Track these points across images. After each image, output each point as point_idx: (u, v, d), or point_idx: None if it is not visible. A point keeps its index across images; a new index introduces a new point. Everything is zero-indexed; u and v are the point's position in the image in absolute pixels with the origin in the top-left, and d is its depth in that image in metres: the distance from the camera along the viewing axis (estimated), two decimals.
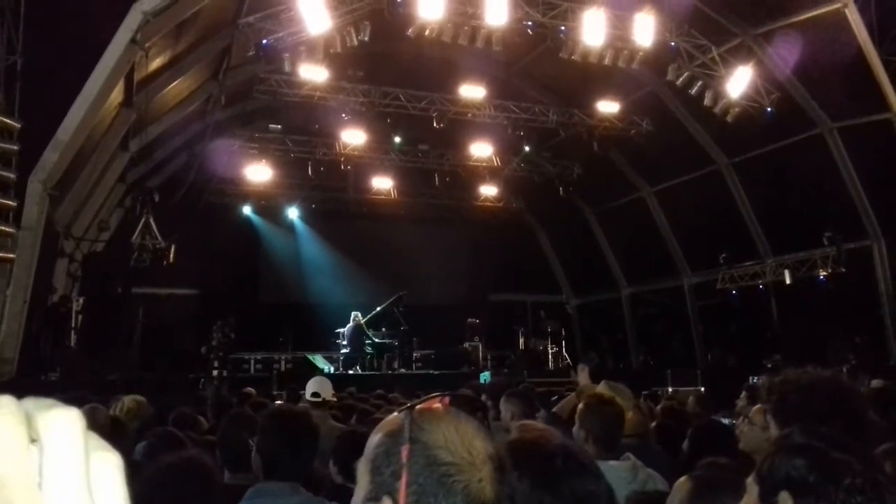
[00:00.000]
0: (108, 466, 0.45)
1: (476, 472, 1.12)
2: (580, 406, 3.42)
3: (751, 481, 1.60)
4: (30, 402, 0.45)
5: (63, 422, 0.44)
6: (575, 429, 3.30)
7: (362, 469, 1.20)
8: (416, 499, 1.11)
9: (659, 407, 6.05)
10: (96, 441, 0.45)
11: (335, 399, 6.16)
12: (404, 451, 1.13)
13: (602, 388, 4.23)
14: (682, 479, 2.12)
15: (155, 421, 4.71)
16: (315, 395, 5.51)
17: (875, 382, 7.10)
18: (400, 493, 1.11)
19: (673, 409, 5.68)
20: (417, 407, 1.20)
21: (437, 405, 1.22)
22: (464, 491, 1.11)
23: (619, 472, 2.87)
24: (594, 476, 1.70)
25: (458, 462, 1.12)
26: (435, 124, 16.83)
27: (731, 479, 1.92)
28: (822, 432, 1.62)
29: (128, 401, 3.98)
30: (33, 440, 0.43)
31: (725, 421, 4.82)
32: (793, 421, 2.01)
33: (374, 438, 1.21)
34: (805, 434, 1.61)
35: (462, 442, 1.14)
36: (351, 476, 3.36)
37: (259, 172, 18.54)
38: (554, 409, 4.67)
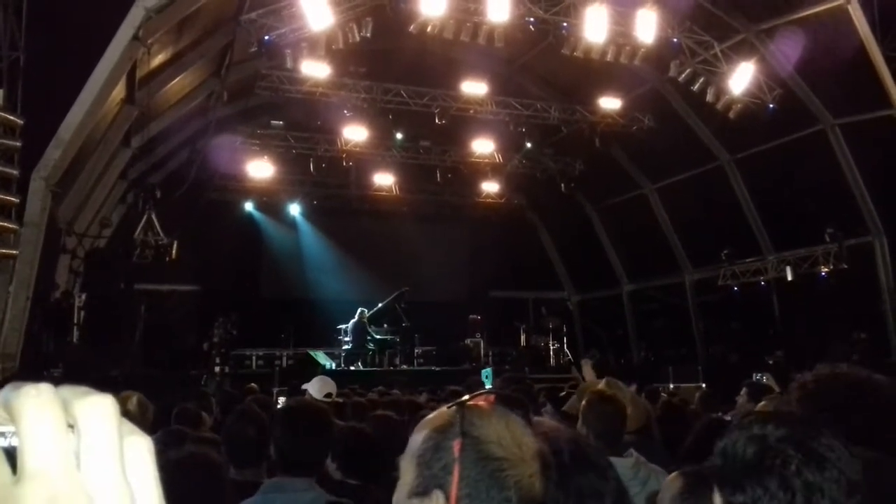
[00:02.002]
0: (140, 449, 0.49)
1: (527, 468, 1.15)
2: (582, 403, 3.43)
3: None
4: (66, 390, 0.48)
5: (99, 408, 0.47)
6: (578, 426, 3.30)
7: (407, 464, 1.21)
8: (468, 492, 1.12)
9: (660, 402, 6.04)
10: (128, 426, 0.49)
11: (340, 399, 6.21)
12: (456, 446, 1.14)
13: (601, 384, 4.24)
14: (672, 475, 2.10)
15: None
16: (328, 395, 5.57)
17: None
18: (452, 487, 1.13)
19: (671, 404, 5.69)
20: (467, 403, 1.21)
21: (483, 402, 1.24)
22: (516, 485, 1.13)
23: (620, 469, 2.87)
24: (603, 473, 1.70)
25: (510, 457, 1.14)
26: (437, 121, 16.80)
27: None
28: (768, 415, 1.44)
29: (135, 400, 3.96)
30: (70, 425, 0.46)
31: (727, 418, 4.82)
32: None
33: (421, 434, 1.21)
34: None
35: (513, 438, 1.16)
36: (349, 472, 3.38)
37: (261, 169, 18.52)
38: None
